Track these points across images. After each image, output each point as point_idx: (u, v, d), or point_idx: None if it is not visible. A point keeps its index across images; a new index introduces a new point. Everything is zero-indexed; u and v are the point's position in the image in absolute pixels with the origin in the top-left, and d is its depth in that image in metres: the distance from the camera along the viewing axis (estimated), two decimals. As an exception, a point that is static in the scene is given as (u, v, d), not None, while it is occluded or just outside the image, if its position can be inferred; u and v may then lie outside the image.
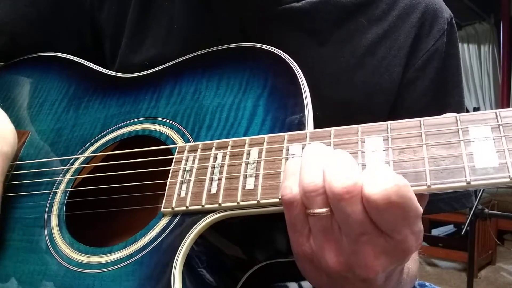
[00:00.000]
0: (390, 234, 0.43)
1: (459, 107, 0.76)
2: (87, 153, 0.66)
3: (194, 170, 0.55)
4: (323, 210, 0.44)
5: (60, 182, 0.65)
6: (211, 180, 0.53)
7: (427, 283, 0.81)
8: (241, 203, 0.50)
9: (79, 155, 0.67)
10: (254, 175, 0.52)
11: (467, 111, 0.67)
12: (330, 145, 0.50)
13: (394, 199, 0.41)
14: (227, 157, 0.54)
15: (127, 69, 0.76)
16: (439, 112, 0.49)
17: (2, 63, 0.89)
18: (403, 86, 0.73)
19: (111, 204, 0.64)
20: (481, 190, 2.79)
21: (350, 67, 0.72)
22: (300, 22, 0.72)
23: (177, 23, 0.75)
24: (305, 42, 0.72)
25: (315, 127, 0.55)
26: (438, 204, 0.76)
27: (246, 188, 0.51)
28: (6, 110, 0.79)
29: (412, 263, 0.68)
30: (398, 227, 0.43)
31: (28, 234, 0.63)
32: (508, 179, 0.42)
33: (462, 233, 2.84)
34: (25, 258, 0.61)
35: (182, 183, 0.55)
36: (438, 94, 0.74)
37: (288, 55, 0.62)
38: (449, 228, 4.63)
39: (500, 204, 4.20)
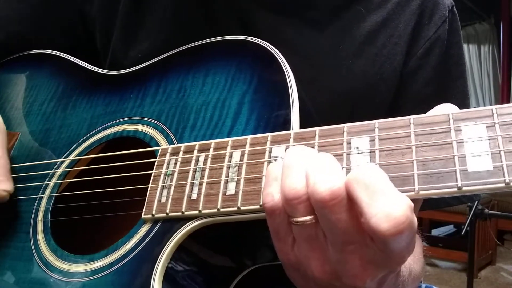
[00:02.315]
0: (386, 252, 0.40)
1: (464, 98, 0.72)
2: (72, 156, 0.65)
3: (176, 174, 0.53)
4: (307, 218, 0.41)
5: (46, 186, 0.64)
6: (192, 185, 0.51)
7: (434, 287, 0.77)
8: (221, 209, 0.48)
9: (64, 158, 0.65)
10: (236, 179, 0.49)
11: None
12: (314, 147, 0.47)
13: (405, 230, 0.37)
14: (209, 160, 0.52)
15: (120, 63, 0.74)
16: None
17: None
18: (406, 75, 0.71)
19: (97, 209, 0.62)
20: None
21: (349, 56, 0.70)
22: (298, 11, 0.70)
23: (170, 13, 0.72)
24: (303, 31, 0.70)
25: (306, 122, 0.51)
26: (444, 198, 0.72)
27: (226, 194, 0.49)
28: None
29: (415, 263, 0.65)
30: (397, 249, 0.39)
31: (15, 241, 0.62)
32: (503, 184, 0.38)
33: (462, 233, 2.81)
34: (11, 265, 0.60)
35: (163, 188, 0.53)
36: (442, 83, 0.71)
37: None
38: (449, 228, 4.56)
39: (500, 204, 4.14)
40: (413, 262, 0.63)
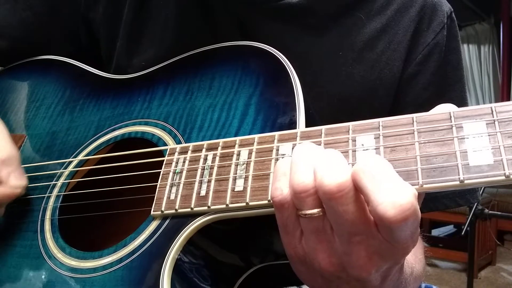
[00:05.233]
0: (391, 242, 0.41)
1: (462, 102, 0.74)
2: (80, 156, 0.66)
3: (184, 172, 0.54)
4: (315, 211, 0.43)
5: (54, 186, 0.65)
6: (200, 182, 0.52)
7: (434, 286, 0.78)
8: (230, 205, 0.49)
9: (72, 158, 0.66)
10: (244, 176, 0.50)
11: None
12: (320, 144, 0.48)
13: (410, 217, 0.38)
14: (217, 158, 0.53)
15: (124, 70, 0.76)
16: None
17: (0, 68, 0.89)
18: (404, 80, 0.72)
19: (105, 207, 0.63)
20: (481, 189, 2.74)
21: (349, 62, 0.71)
22: (298, 17, 0.71)
23: (172, 22, 0.74)
24: (303, 37, 0.71)
25: (309, 125, 0.53)
26: (442, 200, 0.74)
27: (235, 190, 0.50)
28: (3, 115, 0.79)
29: (417, 263, 0.66)
30: (402, 237, 0.41)
31: (22, 239, 0.63)
32: (503, 177, 0.40)
33: (462, 233, 2.80)
34: (18, 263, 0.61)
35: (172, 185, 0.54)
36: (440, 88, 0.73)
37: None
38: (449, 229, 4.58)
39: (500, 204, 4.16)
40: (415, 262, 0.65)
